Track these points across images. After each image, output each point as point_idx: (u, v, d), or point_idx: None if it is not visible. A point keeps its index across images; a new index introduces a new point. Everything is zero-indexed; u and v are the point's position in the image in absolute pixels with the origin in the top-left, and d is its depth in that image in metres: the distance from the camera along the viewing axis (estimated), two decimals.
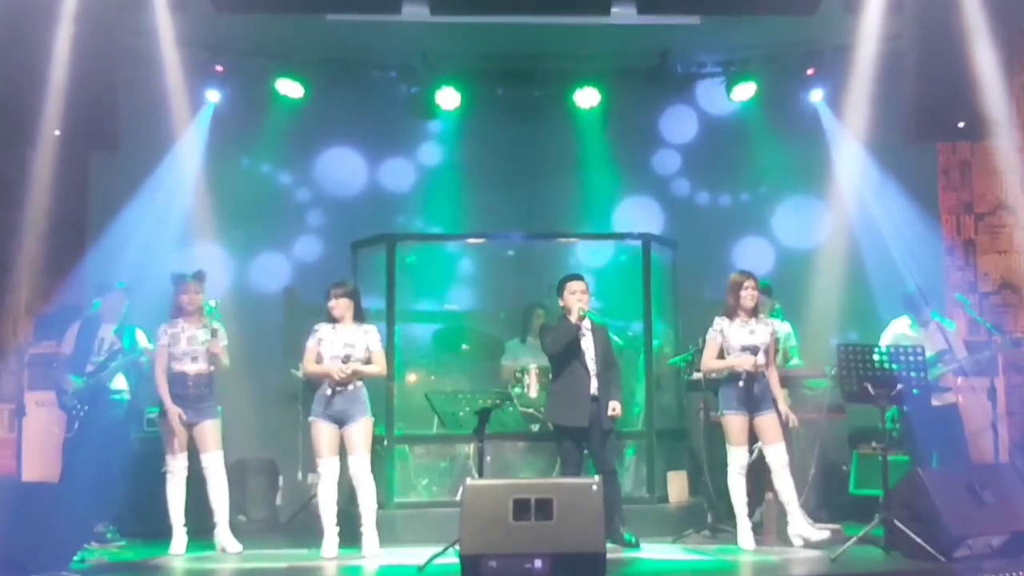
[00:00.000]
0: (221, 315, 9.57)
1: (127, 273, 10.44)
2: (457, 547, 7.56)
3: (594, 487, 7.55)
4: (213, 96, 11.99)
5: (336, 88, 12.30)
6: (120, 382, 9.93)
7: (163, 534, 9.45)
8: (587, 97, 12.32)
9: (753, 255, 12.57)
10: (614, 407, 9.46)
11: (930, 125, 10.31)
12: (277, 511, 11.31)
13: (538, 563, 7.31)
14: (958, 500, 8.37)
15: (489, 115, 12.61)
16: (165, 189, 11.58)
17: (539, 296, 11.51)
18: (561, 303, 9.60)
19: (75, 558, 8.43)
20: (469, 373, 11.28)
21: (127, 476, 9.71)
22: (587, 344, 9.54)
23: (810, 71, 12.10)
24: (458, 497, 8.09)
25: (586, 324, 9.56)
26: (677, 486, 10.65)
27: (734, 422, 9.31)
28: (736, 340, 9.34)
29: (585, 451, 9.56)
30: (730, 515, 9.69)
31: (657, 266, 10.99)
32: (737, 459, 9.30)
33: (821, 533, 9.10)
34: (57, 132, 9.58)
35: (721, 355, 9.41)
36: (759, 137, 12.47)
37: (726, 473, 9.38)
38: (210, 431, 9.40)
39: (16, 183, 9.89)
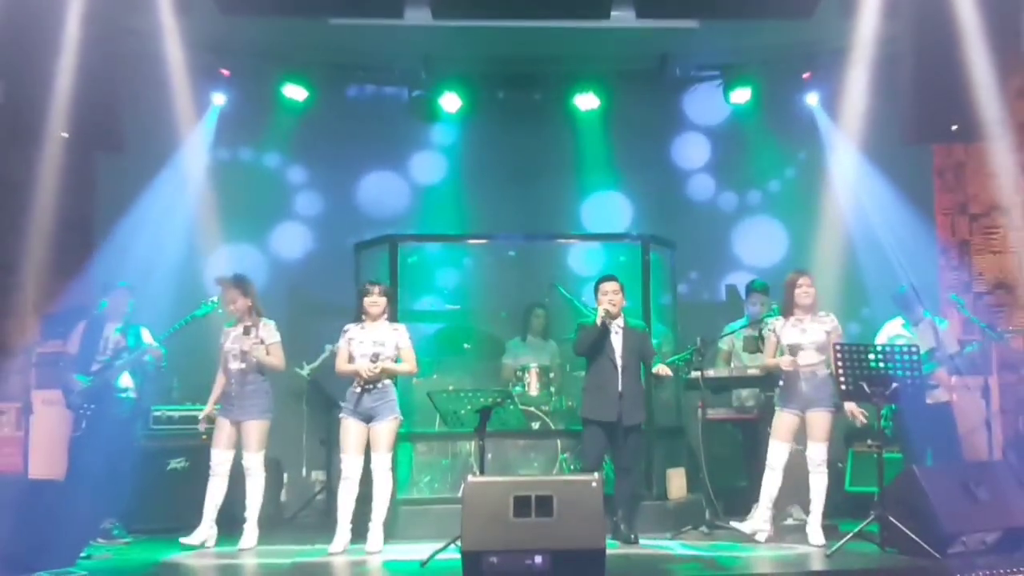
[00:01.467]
0: (223, 311, 9.72)
1: (133, 273, 10.49)
2: (458, 543, 7.60)
3: (594, 484, 7.56)
4: (218, 98, 12.04)
5: (339, 91, 12.46)
6: (126, 380, 9.98)
7: (169, 531, 9.53)
8: (587, 100, 12.40)
9: (750, 255, 12.68)
10: (661, 368, 9.50)
11: (925, 127, 10.46)
12: (281, 508, 11.33)
13: (539, 559, 7.32)
14: (952, 497, 8.42)
15: (491, 118, 12.69)
16: (170, 190, 11.63)
17: (539, 296, 11.62)
18: (597, 303, 9.66)
19: (81, 555, 8.46)
20: (471, 372, 11.26)
21: (133, 474, 9.71)
22: (617, 342, 9.59)
23: (807, 74, 12.17)
24: (460, 494, 8.10)
25: (618, 323, 9.62)
26: (676, 483, 10.69)
27: (780, 417, 9.35)
28: (786, 339, 9.38)
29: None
30: (727, 512, 9.82)
31: (656, 266, 11.01)
32: (776, 454, 9.31)
33: (822, 539, 9.09)
34: (64, 134, 9.68)
35: (779, 354, 9.45)
36: (756, 139, 12.57)
37: (725, 471, 9.45)
38: (251, 431, 9.48)
39: (23, 184, 9.91)
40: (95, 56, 9.68)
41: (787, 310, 9.50)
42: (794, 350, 9.29)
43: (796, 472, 9.43)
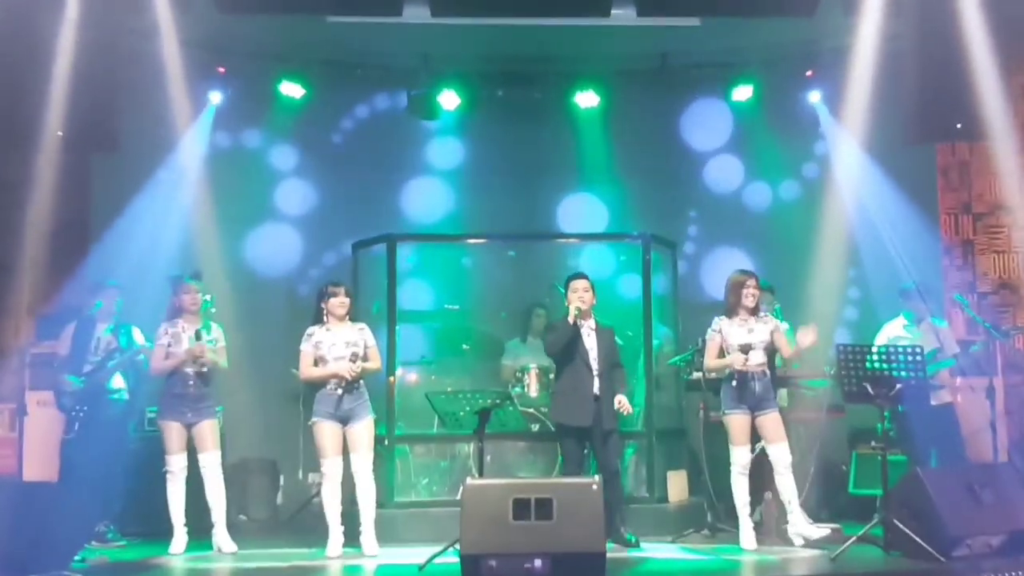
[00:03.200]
0: (216, 310, 9.70)
1: (129, 273, 10.45)
2: (457, 547, 7.55)
3: (594, 486, 7.52)
4: (215, 97, 12.00)
5: (337, 89, 12.37)
6: (118, 381, 9.93)
7: (164, 534, 9.43)
8: (587, 98, 12.34)
9: (754, 254, 12.58)
10: (620, 400, 9.44)
11: (929, 126, 10.40)
12: (278, 510, 11.26)
13: (538, 563, 7.28)
14: (957, 500, 8.36)
15: (490, 116, 12.63)
16: (167, 189, 11.57)
17: (539, 296, 11.55)
18: (567, 302, 9.55)
19: (76, 558, 8.40)
20: (469, 373, 11.17)
21: (127, 476, 9.69)
22: (591, 344, 9.48)
23: (809, 72, 12.12)
24: (458, 497, 8.07)
25: (590, 324, 9.53)
26: (677, 486, 10.62)
27: (734, 421, 9.28)
28: (734, 339, 9.30)
29: (587, 451, 9.57)
30: (730, 515, 9.68)
31: (657, 266, 10.98)
32: (739, 458, 9.26)
33: (821, 531, 9.10)
34: (60, 133, 9.61)
35: (722, 354, 9.38)
36: (758, 138, 12.51)
37: (726, 473, 9.33)
38: (208, 431, 9.39)
39: (18, 184, 9.86)
40: (91, 55, 9.59)
41: (732, 310, 9.44)
42: (745, 350, 9.24)
43: (796, 473, 9.35)
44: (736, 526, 9.42)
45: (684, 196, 13.03)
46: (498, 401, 8.83)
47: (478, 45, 11.95)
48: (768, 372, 9.34)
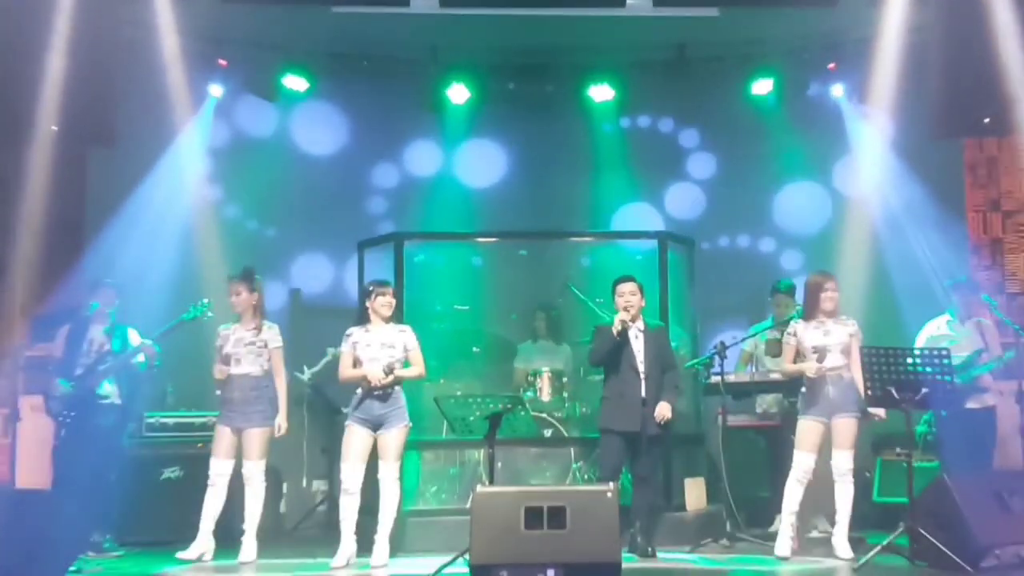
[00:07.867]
0: (213, 315, 9.57)
1: (126, 272, 10.37)
2: (467, 556, 7.40)
3: (609, 494, 7.38)
4: (215, 89, 11.92)
5: (342, 82, 12.29)
6: (108, 386, 9.77)
7: (164, 543, 9.34)
8: (601, 91, 12.23)
9: (773, 254, 12.56)
10: (661, 408, 9.25)
11: (956, 120, 10.21)
12: (281, 519, 11.15)
13: (551, 573, 7.14)
14: (985, 508, 8.19)
15: (500, 110, 12.53)
16: (165, 186, 11.49)
17: (552, 296, 11.47)
18: (616, 307, 9.39)
19: (71, 568, 8.25)
20: (480, 376, 11.13)
21: (123, 484, 9.51)
22: (638, 347, 9.33)
23: (831, 65, 12.00)
24: (468, 505, 7.94)
25: (638, 325, 9.37)
26: (695, 493, 10.48)
27: (804, 427, 9.08)
28: (809, 342, 9.10)
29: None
30: (749, 523, 9.60)
31: (674, 265, 10.85)
32: (800, 464, 9.04)
33: (849, 555, 8.83)
34: (54, 127, 9.47)
35: (799, 359, 9.17)
36: (778, 132, 12.34)
37: (746, 480, 9.32)
38: (255, 438, 9.21)
39: (12, 180, 9.76)
40: (87, 45, 9.46)
41: (809, 313, 9.23)
42: (820, 353, 9.01)
43: (822, 482, 9.15)
44: (756, 536, 9.37)
45: (702, 192, 12.91)
46: (509, 406, 8.68)
47: (489, 36, 11.84)
48: (845, 375, 9.07)
